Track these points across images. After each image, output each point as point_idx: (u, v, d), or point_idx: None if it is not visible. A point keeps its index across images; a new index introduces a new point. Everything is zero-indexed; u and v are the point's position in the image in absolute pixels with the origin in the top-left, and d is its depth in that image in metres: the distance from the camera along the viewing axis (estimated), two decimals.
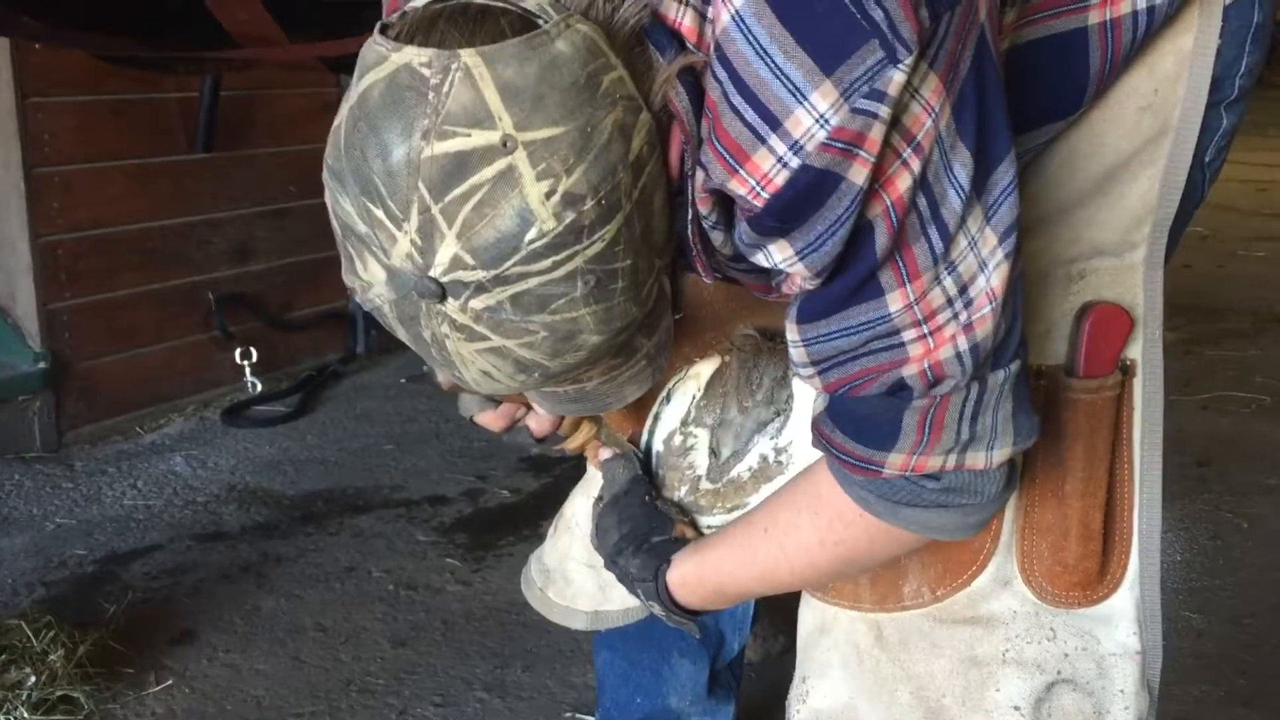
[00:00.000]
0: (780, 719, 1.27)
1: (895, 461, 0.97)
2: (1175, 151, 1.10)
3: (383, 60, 0.82)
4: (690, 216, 0.93)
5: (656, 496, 1.31)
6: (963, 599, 1.15)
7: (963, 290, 0.91)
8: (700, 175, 0.89)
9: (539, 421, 1.31)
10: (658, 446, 1.35)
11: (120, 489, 2.95)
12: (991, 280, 0.91)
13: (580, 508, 1.51)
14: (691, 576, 1.18)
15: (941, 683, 1.16)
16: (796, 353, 0.97)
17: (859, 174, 0.84)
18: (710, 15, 0.85)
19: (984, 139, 0.88)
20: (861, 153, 0.83)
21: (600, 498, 1.30)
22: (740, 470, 1.29)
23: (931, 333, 0.91)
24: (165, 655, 2.19)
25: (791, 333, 0.97)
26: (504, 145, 0.79)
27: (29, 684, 1.98)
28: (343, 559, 2.59)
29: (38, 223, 3.06)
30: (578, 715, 2.02)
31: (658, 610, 1.21)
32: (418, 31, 0.82)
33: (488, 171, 0.79)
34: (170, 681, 2.11)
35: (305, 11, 2.42)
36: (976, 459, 0.97)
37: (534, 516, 2.75)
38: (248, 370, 3.51)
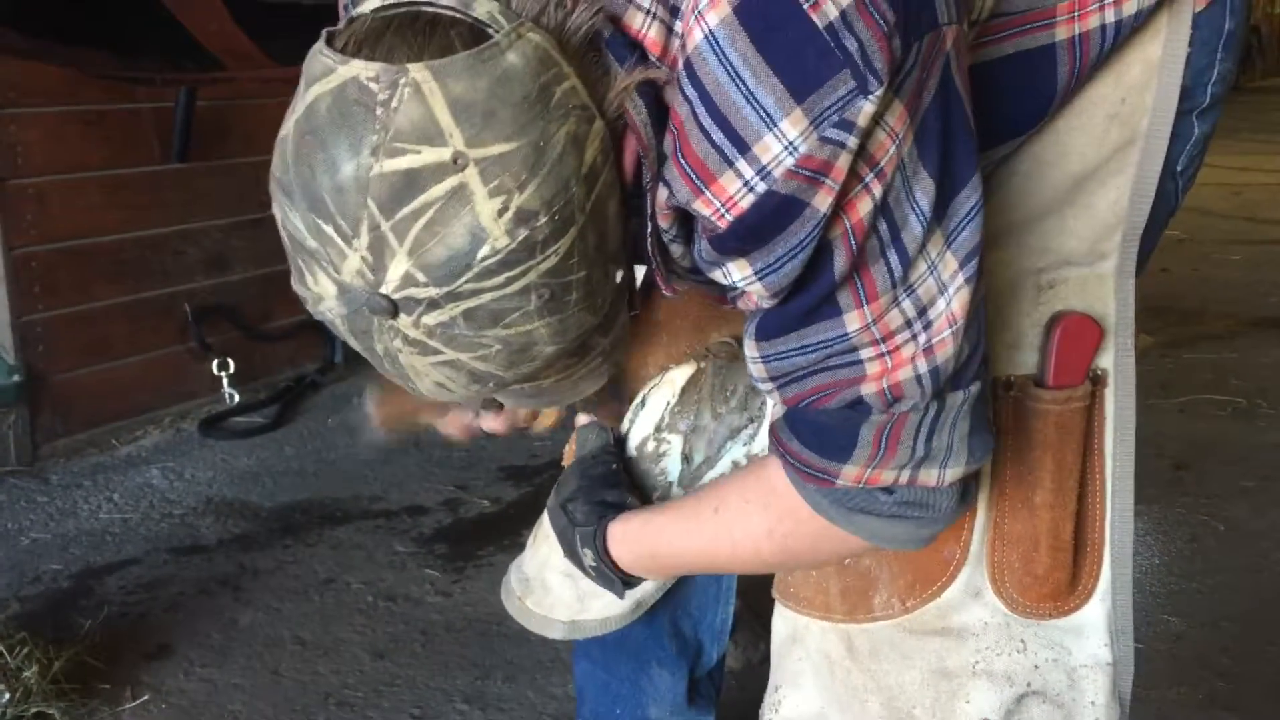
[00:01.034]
0: None
1: (850, 473, 0.97)
2: (1144, 160, 1.10)
3: (329, 73, 0.80)
4: (650, 230, 0.93)
5: (621, 467, 1.30)
6: (933, 610, 1.15)
7: (922, 313, 0.91)
8: (663, 192, 0.89)
9: (495, 422, 1.30)
10: (631, 452, 1.35)
11: (96, 502, 2.93)
12: (952, 304, 0.91)
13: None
14: (631, 534, 1.17)
15: (912, 694, 1.16)
16: (755, 368, 0.98)
17: (823, 201, 0.84)
18: (680, 30, 0.85)
19: (947, 165, 0.88)
20: (827, 181, 0.83)
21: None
22: (713, 476, 1.29)
23: (890, 352, 0.92)
24: (141, 670, 2.18)
25: (750, 349, 0.97)
26: (455, 163, 0.78)
27: (3, 701, 1.96)
28: (321, 571, 2.58)
29: (11, 235, 3.04)
30: None
31: (588, 560, 1.20)
32: (365, 43, 0.81)
33: (438, 189, 0.79)
34: (147, 697, 2.10)
35: (279, 23, 2.41)
36: (930, 476, 0.97)
37: (514, 526, 2.74)
38: (225, 381, 3.49)
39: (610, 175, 0.87)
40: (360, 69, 0.79)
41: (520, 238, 0.81)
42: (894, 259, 0.88)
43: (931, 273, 0.90)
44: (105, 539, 2.73)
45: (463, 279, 0.81)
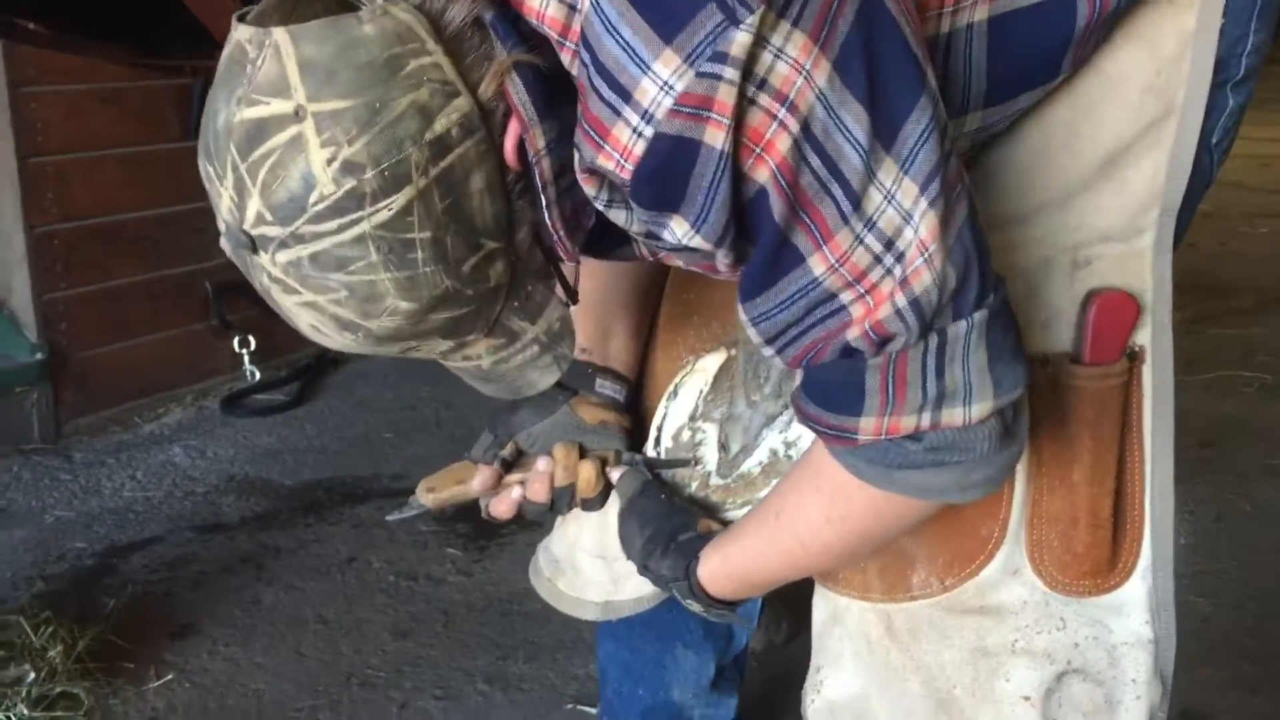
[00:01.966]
0: (782, 708, 1.27)
1: (867, 426, 0.96)
2: (1181, 134, 1.08)
3: (230, 40, 0.91)
4: (546, 203, 0.96)
5: (673, 494, 1.29)
6: (971, 589, 1.14)
7: (889, 245, 0.90)
8: (577, 156, 0.93)
9: (534, 489, 1.31)
10: (666, 442, 1.34)
11: (119, 480, 2.93)
12: (919, 231, 0.89)
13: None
14: (718, 570, 1.17)
15: (951, 673, 1.15)
16: (751, 333, 0.98)
17: (715, 137, 0.86)
18: (579, 6, 0.89)
19: (879, 92, 0.87)
20: (712, 115, 0.85)
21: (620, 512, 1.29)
22: (750, 465, 1.27)
23: (868, 291, 0.91)
24: (165, 649, 2.18)
25: (740, 314, 0.97)
26: (296, 114, 0.86)
27: (28, 680, 1.97)
28: (343, 550, 2.58)
29: (32, 213, 3.04)
30: (579, 707, 2.02)
31: (697, 608, 1.21)
32: (258, 14, 0.91)
33: (281, 137, 0.87)
34: (170, 676, 2.10)
35: None
36: (953, 415, 0.95)
37: None
38: (246, 359, 3.48)
39: (475, 150, 0.91)
40: (243, 33, 0.89)
41: (346, 187, 0.87)
42: (838, 193, 0.88)
43: (889, 202, 0.89)
44: (129, 517, 2.73)
45: (300, 220, 0.88)
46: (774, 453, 1.26)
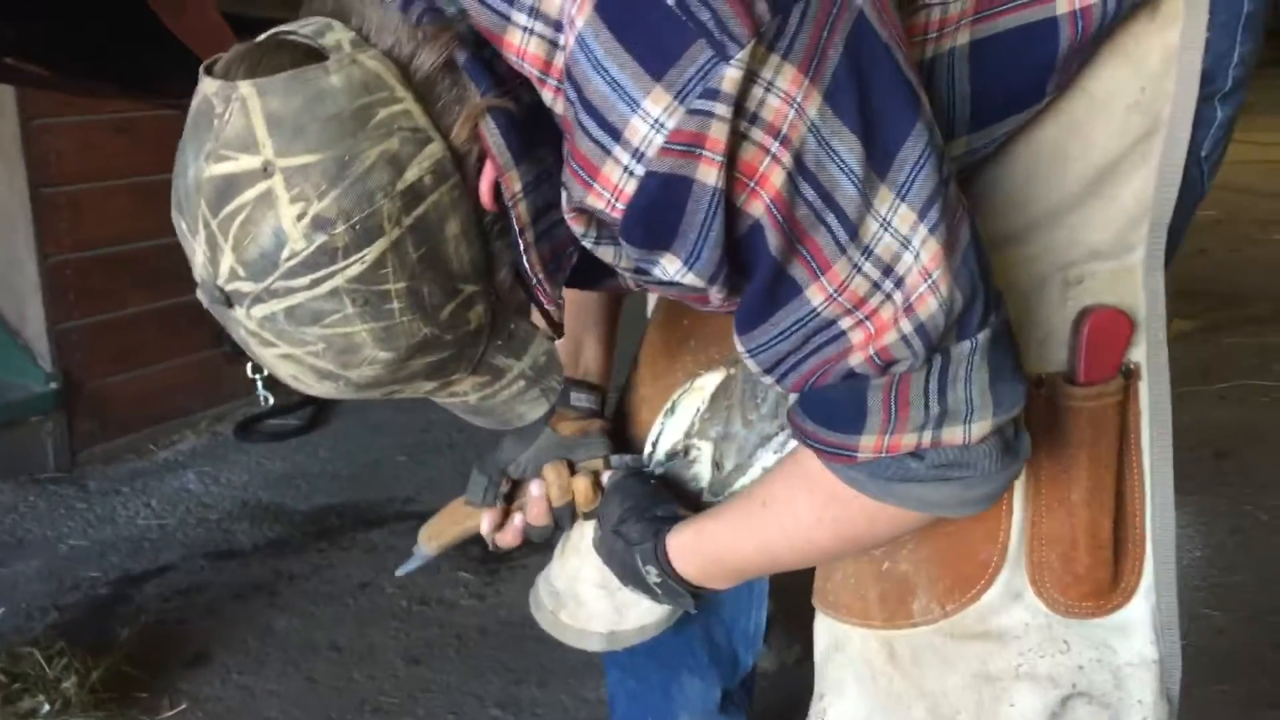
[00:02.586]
0: None
1: (867, 444, 0.96)
2: (1168, 149, 1.08)
3: (197, 93, 0.90)
4: (524, 246, 0.96)
5: (659, 482, 1.30)
6: (973, 614, 1.13)
7: (887, 272, 0.89)
8: (564, 196, 0.92)
9: (534, 513, 1.33)
10: (660, 458, 1.34)
11: (134, 508, 2.95)
12: (921, 258, 0.89)
13: (588, 528, 1.49)
14: (689, 545, 1.17)
15: (955, 699, 1.15)
16: (750, 363, 0.98)
17: (708, 174, 0.85)
18: (562, 43, 0.88)
19: (871, 121, 0.87)
20: (705, 152, 0.84)
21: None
22: (743, 484, 1.28)
23: (868, 317, 0.90)
24: (179, 678, 2.19)
25: (738, 343, 0.97)
26: (264, 170, 0.85)
27: (43, 712, 1.97)
28: (356, 575, 2.58)
29: (45, 243, 3.06)
30: None
31: (652, 578, 1.20)
32: (224, 66, 0.90)
33: (250, 193, 0.86)
34: (184, 705, 2.10)
35: None
36: (954, 434, 0.95)
37: None
38: (259, 384, 3.48)
39: (447, 196, 0.90)
40: (210, 86, 0.88)
41: (317, 243, 0.86)
42: (834, 223, 0.88)
43: (886, 229, 0.88)
44: (143, 545, 2.75)
45: (272, 277, 0.87)
46: (767, 472, 1.26)
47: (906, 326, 0.90)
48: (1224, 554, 2.54)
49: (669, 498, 1.27)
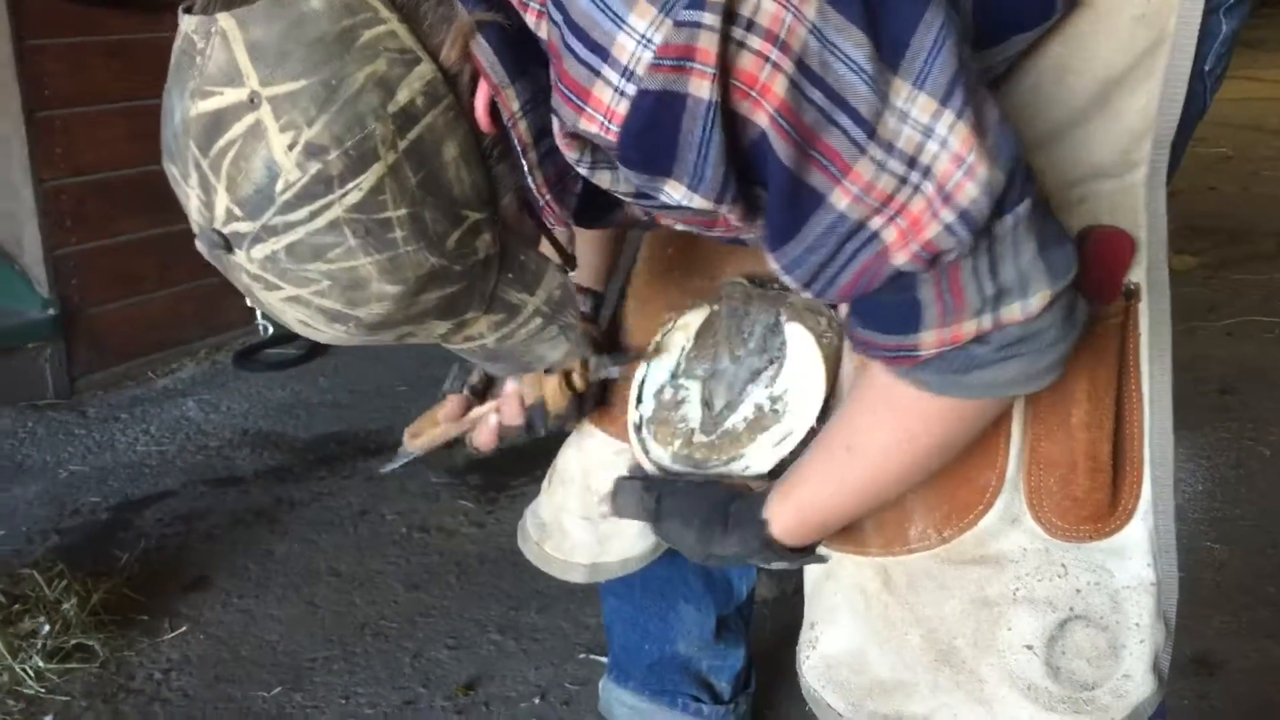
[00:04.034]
0: (794, 659, 1.26)
1: (928, 340, 0.94)
2: (1173, 62, 1.06)
3: (178, 32, 0.87)
4: (528, 167, 0.93)
5: (682, 476, 1.26)
6: (970, 539, 1.12)
7: (912, 164, 0.86)
8: (556, 122, 0.89)
9: (507, 411, 1.32)
10: (649, 401, 1.32)
11: (133, 435, 2.95)
12: (950, 143, 0.85)
13: (573, 460, 1.49)
14: (793, 522, 1.14)
15: (952, 624, 1.14)
16: (787, 280, 0.95)
17: (700, 88, 0.82)
18: None
19: (876, 12, 0.84)
20: (696, 65, 0.82)
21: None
22: (735, 421, 1.25)
23: (898, 213, 0.88)
24: (179, 601, 2.20)
25: (770, 261, 0.94)
26: (251, 101, 0.83)
27: (43, 633, 1.98)
28: (356, 503, 2.59)
29: (40, 168, 3.03)
30: (591, 656, 2.02)
31: (782, 567, 1.19)
32: (204, 2, 0.87)
33: (239, 127, 0.83)
34: (185, 628, 2.11)
35: None
36: (1012, 312, 0.92)
37: (546, 457, 2.69)
38: (259, 313, 3.49)
39: (444, 118, 0.87)
40: (189, 23, 0.85)
41: (311, 171, 0.83)
42: (847, 123, 0.85)
43: (904, 121, 0.85)
44: (143, 471, 2.75)
45: (269, 212, 0.85)
46: (759, 408, 1.24)
47: (948, 215, 0.87)
48: (1226, 488, 2.53)
49: (707, 483, 1.23)
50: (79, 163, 3.12)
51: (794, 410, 1.20)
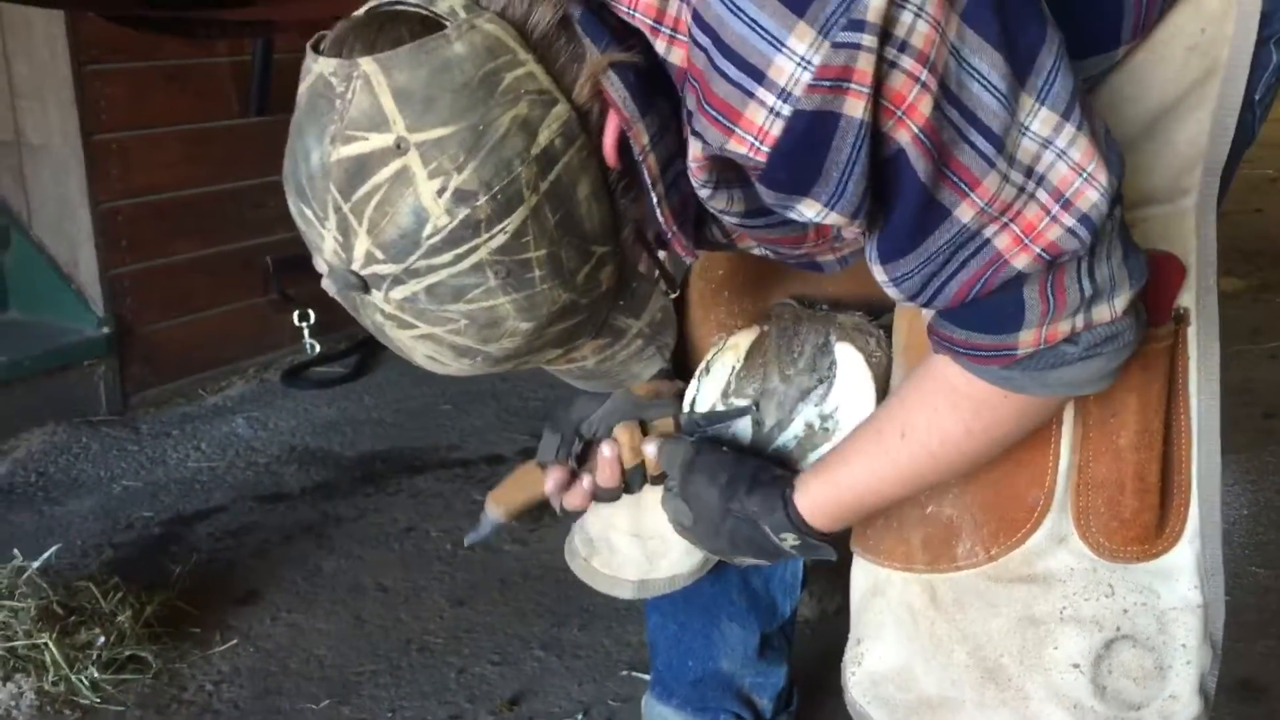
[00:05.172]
0: (836, 677, 1.27)
1: (1027, 339, 0.96)
2: (1225, 92, 1.08)
3: (308, 72, 0.88)
4: (656, 199, 0.94)
5: (731, 447, 1.27)
6: (1018, 557, 1.13)
7: (1029, 174, 0.89)
8: (695, 145, 0.90)
9: (604, 475, 1.29)
10: (699, 420, 1.33)
11: (184, 451, 3.00)
12: (1071, 154, 0.89)
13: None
14: (822, 497, 1.15)
15: (999, 642, 1.15)
16: (891, 292, 0.97)
17: (855, 108, 0.84)
18: None
19: (1010, 32, 0.86)
20: (853, 86, 0.83)
21: (669, 486, 1.26)
22: (786, 439, 1.27)
23: (1012, 220, 0.90)
24: (230, 615, 2.23)
25: (878, 274, 0.96)
26: (398, 147, 0.84)
27: (99, 644, 2.02)
28: (401, 519, 2.62)
29: (97, 190, 3.10)
30: (633, 673, 2.03)
31: (789, 543, 1.18)
32: (335, 43, 0.88)
33: (385, 172, 0.84)
34: (235, 641, 2.15)
35: None
36: (1102, 312, 0.96)
37: None
38: (306, 332, 3.53)
39: (577, 158, 0.89)
40: (325, 65, 0.86)
41: (460, 216, 0.85)
42: (978, 140, 0.87)
43: (1024, 134, 0.88)
44: (194, 487, 2.79)
45: (414, 256, 0.86)
46: (809, 426, 1.26)
47: (1069, 220, 0.90)
48: (1271, 512, 2.51)
49: (754, 456, 1.24)
50: (134, 184, 3.18)
51: (844, 428, 1.22)
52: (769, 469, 1.21)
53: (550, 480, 1.30)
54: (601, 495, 1.31)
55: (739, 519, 1.19)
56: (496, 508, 1.37)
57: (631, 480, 1.30)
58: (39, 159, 3.12)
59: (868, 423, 1.15)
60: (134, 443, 3.04)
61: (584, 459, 1.32)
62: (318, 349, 3.56)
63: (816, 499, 1.15)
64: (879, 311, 1.26)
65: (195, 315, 3.40)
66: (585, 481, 1.30)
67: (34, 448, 2.95)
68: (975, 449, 1.07)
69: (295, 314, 3.53)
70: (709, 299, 1.41)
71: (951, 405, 1.05)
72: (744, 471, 1.20)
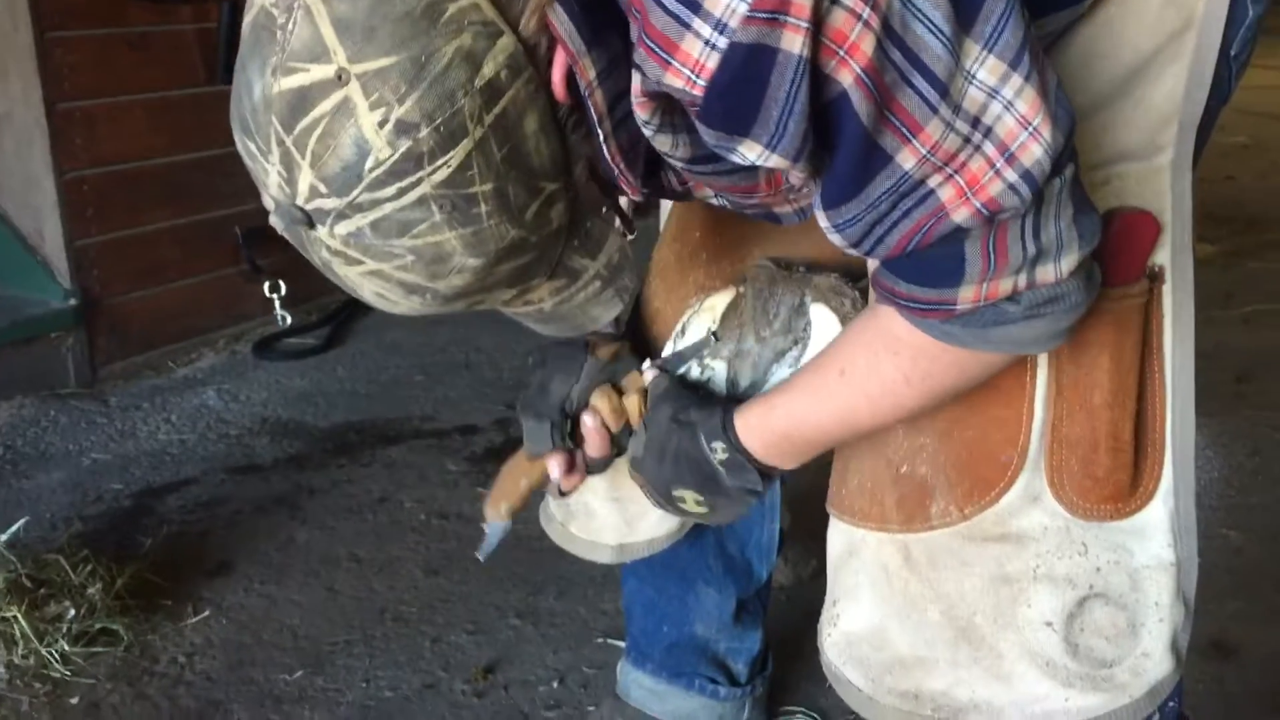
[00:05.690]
0: (810, 642, 1.27)
1: (967, 295, 0.95)
2: (1200, 46, 1.06)
3: (251, 5, 0.87)
4: (603, 135, 0.93)
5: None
6: (991, 516, 1.13)
7: (975, 124, 0.87)
8: (636, 78, 0.89)
9: (594, 446, 1.28)
10: (664, 365, 1.33)
11: (154, 423, 2.97)
12: (1016, 106, 0.87)
13: None
14: (757, 420, 1.15)
15: (972, 601, 1.15)
16: (834, 239, 0.95)
17: (793, 42, 0.82)
18: None
19: None
20: (790, 20, 0.81)
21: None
22: None
23: (956, 171, 0.89)
24: (202, 587, 2.22)
25: (822, 220, 0.95)
26: (339, 78, 0.82)
27: (69, 617, 2.00)
28: (375, 490, 2.60)
29: (62, 159, 3.05)
30: (609, 640, 2.03)
31: (719, 455, 1.17)
32: None
33: (326, 104, 0.83)
34: (207, 612, 2.13)
35: None
36: (1046, 272, 0.95)
37: None
38: (277, 303, 3.50)
39: (525, 91, 0.87)
40: None
41: (402, 149, 0.83)
42: (921, 84, 0.85)
43: (970, 82, 0.86)
44: (164, 459, 2.77)
45: (357, 190, 0.85)
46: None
47: (1011, 175, 0.88)
48: (1242, 475, 2.54)
49: (718, 396, 1.24)
50: (99, 154, 3.14)
51: None
52: (723, 401, 1.22)
53: (554, 467, 1.29)
54: (594, 466, 1.31)
55: (682, 430, 1.19)
56: (498, 513, 1.35)
57: (621, 441, 1.30)
58: (2, 129, 3.07)
59: (814, 359, 1.15)
60: (103, 415, 3.01)
61: (576, 437, 1.31)
62: (289, 320, 3.53)
63: (749, 419, 1.16)
64: (856, 274, 1.25)
65: (164, 286, 3.36)
66: (577, 458, 1.30)
67: (1, 421, 2.92)
68: (913, 399, 1.07)
69: (266, 285, 3.49)
70: (686, 261, 1.40)
71: (892, 352, 1.04)
72: (698, 398, 1.22)
